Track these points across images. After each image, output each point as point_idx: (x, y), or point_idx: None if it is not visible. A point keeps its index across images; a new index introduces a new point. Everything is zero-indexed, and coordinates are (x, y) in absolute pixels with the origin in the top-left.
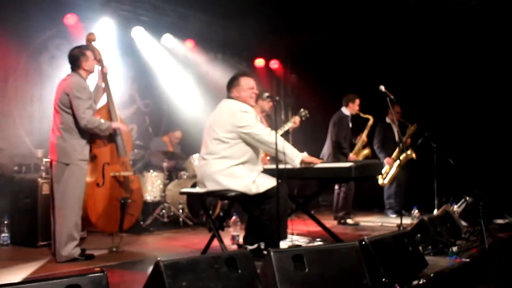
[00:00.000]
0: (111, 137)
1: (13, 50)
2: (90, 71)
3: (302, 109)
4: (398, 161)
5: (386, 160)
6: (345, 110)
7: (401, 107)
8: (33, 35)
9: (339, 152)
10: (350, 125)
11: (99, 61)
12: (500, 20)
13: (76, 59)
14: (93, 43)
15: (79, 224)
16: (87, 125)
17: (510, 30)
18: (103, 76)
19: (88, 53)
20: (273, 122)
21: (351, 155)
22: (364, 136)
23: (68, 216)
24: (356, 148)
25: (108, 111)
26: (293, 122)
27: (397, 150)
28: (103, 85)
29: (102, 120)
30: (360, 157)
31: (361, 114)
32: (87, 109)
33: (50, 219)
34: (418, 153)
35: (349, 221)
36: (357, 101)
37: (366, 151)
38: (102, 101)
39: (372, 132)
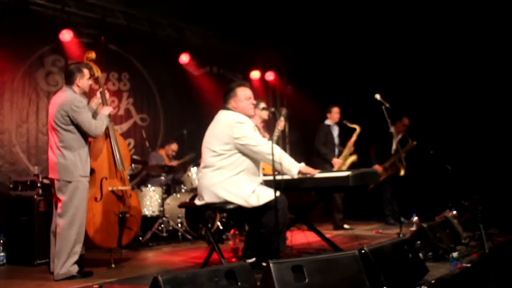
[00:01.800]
0: (109, 151)
1: (8, 66)
2: (83, 89)
3: (280, 108)
4: (386, 171)
5: (375, 167)
6: (327, 120)
7: (396, 114)
8: (28, 51)
9: (317, 157)
10: (336, 133)
11: (97, 79)
12: (495, 30)
13: (71, 74)
14: (91, 61)
15: (82, 240)
16: (97, 132)
17: (504, 40)
18: (102, 99)
19: (85, 71)
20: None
21: (335, 159)
22: (350, 144)
23: (72, 233)
24: (343, 154)
25: (101, 103)
26: (279, 125)
27: (389, 160)
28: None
29: (102, 117)
30: (347, 163)
31: (348, 124)
32: (90, 119)
33: (49, 237)
34: (416, 160)
35: (346, 226)
36: (335, 110)
37: (352, 158)
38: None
39: (361, 140)
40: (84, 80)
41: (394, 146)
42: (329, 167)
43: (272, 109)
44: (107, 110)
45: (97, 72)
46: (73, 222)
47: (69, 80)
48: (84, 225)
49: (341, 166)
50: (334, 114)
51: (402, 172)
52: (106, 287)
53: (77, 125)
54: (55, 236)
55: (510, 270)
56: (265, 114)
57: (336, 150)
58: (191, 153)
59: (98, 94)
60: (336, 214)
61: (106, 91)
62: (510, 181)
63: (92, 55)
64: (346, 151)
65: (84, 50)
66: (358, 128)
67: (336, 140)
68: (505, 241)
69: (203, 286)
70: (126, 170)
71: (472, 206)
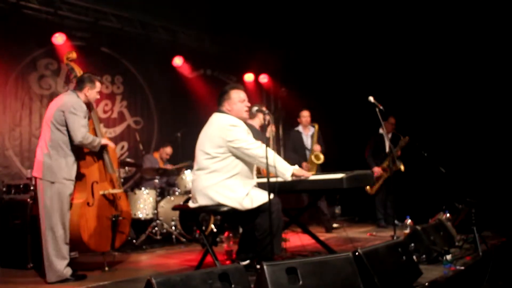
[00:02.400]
0: (99, 154)
1: (1, 69)
2: (89, 100)
3: (263, 109)
4: (385, 171)
5: (375, 169)
6: (298, 126)
7: (391, 116)
8: (21, 54)
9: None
10: (307, 138)
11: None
12: (490, 31)
13: (82, 82)
14: (72, 61)
15: (67, 243)
16: (82, 142)
17: (500, 42)
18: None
19: (98, 84)
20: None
21: (304, 164)
22: (314, 145)
23: (55, 235)
24: (309, 157)
25: (94, 131)
26: (269, 127)
27: (386, 160)
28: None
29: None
30: (313, 165)
31: (310, 124)
32: (82, 126)
33: (40, 239)
34: (410, 162)
35: (335, 224)
36: (302, 113)
37: (319, 161)
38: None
39: (328, 138)
40: (93, 92)
41: (387, 146)
42: None
43: (266, 111)
44: (104, 142)
45: (80, 73)
46: (54, 225)
47: (79, 87)
48: (68, 228)
49: (308, 170)
50: (302, 118)
51: (402, 168)
52: None
53: (66, 126)
54: None
55: (504, 273)
56: (262, 118)
57: (308, 153)
58: (186, 161)
59: None
60: (322, 217)
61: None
62: (503, 184)
63: (73, 55)
64: (311, 154)
65: (77, 53)
66: (316, 126)
67: (308, 144)
68: (499, 244)
69: None
70: (115, 172)
71: (466, 208)
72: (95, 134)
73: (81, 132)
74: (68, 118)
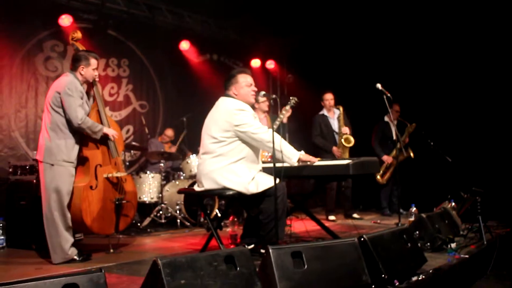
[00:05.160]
0: (102, 138)
1: (7, 51)
2: (86, 78)
3: (291, 97)
4: (395, 159)
5: (385, 158)
6: (322, 110)
7: (400, 106)
8: (27, 36)
9: (317, 149)
10: (334, 121)
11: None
12: (498, 16)
13: (77, 61)
14: (77, 41)
15: (69, 225)
16: (80, 124)
17: (507, 27)
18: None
19: (93, 61)
20: (273, 120)
21: (335, 148)
22: (342, 128)
23: (56, 217)
24: (339, 141)
25: (98, 114)
26: (286, 112)
27: (395, 148)
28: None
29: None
30: (344, 149)
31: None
32: (78, 106)
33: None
34: (416, 151)
35: (355, 215)
36: (325, 96)
37: (349, 144)
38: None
39: (358, 127)
40: (88, 70)
41: (394, 134)
42: (330, 157)
43: (273, 96)
44: (106, 131)
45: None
46: (54, 206)
47: (74, 66)
48: (68, 210)
49: (340, 155)
50: (325, 102)
51: (411, 154)
52: (105, 272)
53: (63, 108)
54: None
55: (508, 262)
56: (264, 106)
57: (337, 137)
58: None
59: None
60: (345, 203)
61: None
62: (509, 174)
63: (78, 34)
64: (340, 138)
65: (83, 35)
66: (341, 108)
67: (335, 128)
68: (504, 234)
69: (202, 270)
70: (119, 155)
71: (471, 198)
72: (99, 117)
73: (79, 112)
74: (64, 100)
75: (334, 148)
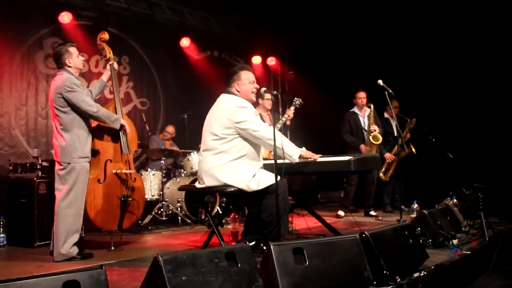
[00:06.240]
0: (116, 133)
1: (7, 48)
2: (77, 68)
3: (296, 98)
4: (397, 156)
5: (386, 155)
6: (354, 108)
7: (399, 102)
8: (27, 33)
9: (347, 146)
10: (364, 119)
11: (108, 60)
12: (498, 11)
13: (59, 56)
14: (104, 42)
15: (80, 222)
16: (97, 113)
17: (507, 22)
18: (112, 72)
19: (72, 49)
20: (275, 118)
21: (362, 146)
22: (371, 126)
23: (68, 213)
24: (367, 138)
25: (115, 108)
26: (289, 113)
27: (396, 145)
28: (109, 82)
29: (97, 84)
30: (372, 147)
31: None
32: (86, 96)
33: (52, 218)
34: (418, 148)
35: (372, 212)
36: (358, 94)
37: (377, 141)
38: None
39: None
40: (74, 59)
41: (395, 130)
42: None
43: (275, 92)
44: (123, 122)
45: (109, 53)
46: (70, 202)
47: (59, 64)
48: (83, 206)
49: (368, 152)
50: (357, 100)
51: (413, 150)
52: (106, 269)
53: (73, 105)
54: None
55: (510, 259)
56: (267, 104)
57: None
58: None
59: (108, 66)
60: (367, 201)
61: (115, 64)
62: (511, 170)
63: (105, 35)
64: (369, 136)
65: (84, 32)
66: (372, 106)
67: (365, 126)
68: (505, 230)
69: (203, 267)
70: (131, 153)
71: (473, 194)
72: (115, 109)
73: (90, 102)
74: (69, 98)
75: (362, 146)
